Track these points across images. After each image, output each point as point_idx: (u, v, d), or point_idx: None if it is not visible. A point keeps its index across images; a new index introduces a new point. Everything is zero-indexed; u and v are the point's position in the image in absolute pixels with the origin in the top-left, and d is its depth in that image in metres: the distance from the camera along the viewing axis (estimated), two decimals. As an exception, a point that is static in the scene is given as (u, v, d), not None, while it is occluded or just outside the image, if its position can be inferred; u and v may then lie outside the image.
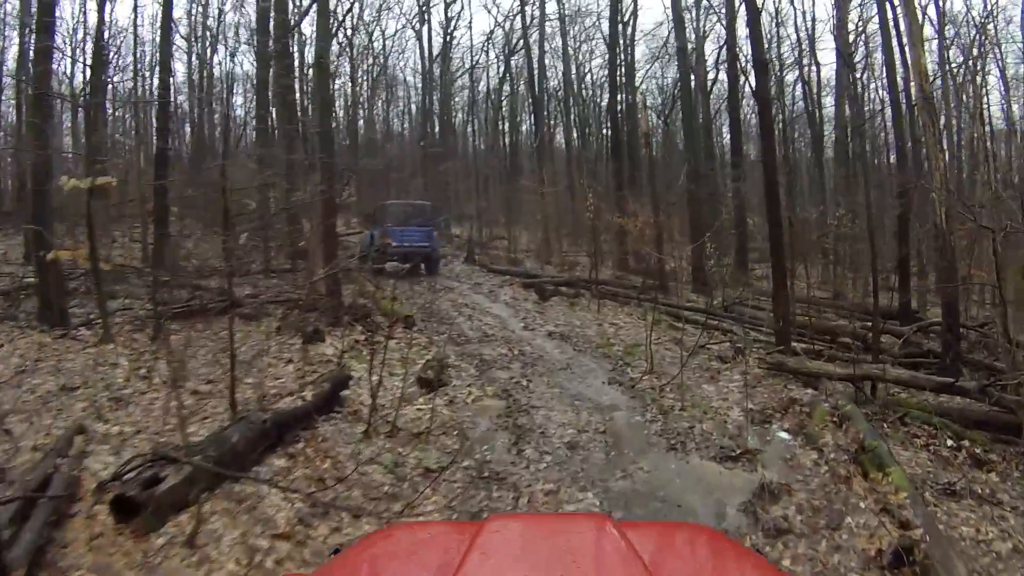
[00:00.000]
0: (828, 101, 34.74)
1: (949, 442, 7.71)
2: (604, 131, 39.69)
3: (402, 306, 13.54)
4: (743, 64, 16.32)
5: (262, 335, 11.20)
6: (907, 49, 13.14)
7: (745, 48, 19.79)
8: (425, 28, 39.43)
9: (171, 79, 21.59)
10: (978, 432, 7.69)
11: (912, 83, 14.56)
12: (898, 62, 17.02)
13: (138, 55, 29.71)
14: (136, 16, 47.11)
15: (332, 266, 11.16)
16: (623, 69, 28.64)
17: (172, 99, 22.84)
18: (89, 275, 13.35)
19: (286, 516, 5.11)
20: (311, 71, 34.71)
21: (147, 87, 30.18)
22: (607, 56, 29.74)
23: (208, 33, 32.63)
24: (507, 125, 43.01)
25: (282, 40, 19.82)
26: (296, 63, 31.21)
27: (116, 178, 15.83)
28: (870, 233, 13.22)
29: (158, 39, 21.95)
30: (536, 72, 34.49)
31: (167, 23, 19.58)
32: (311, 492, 5.52)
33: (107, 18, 24.37)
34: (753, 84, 11.73)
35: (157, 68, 21.59)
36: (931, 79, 13.12)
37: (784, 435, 7.37)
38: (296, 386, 8.69)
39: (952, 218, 11.99)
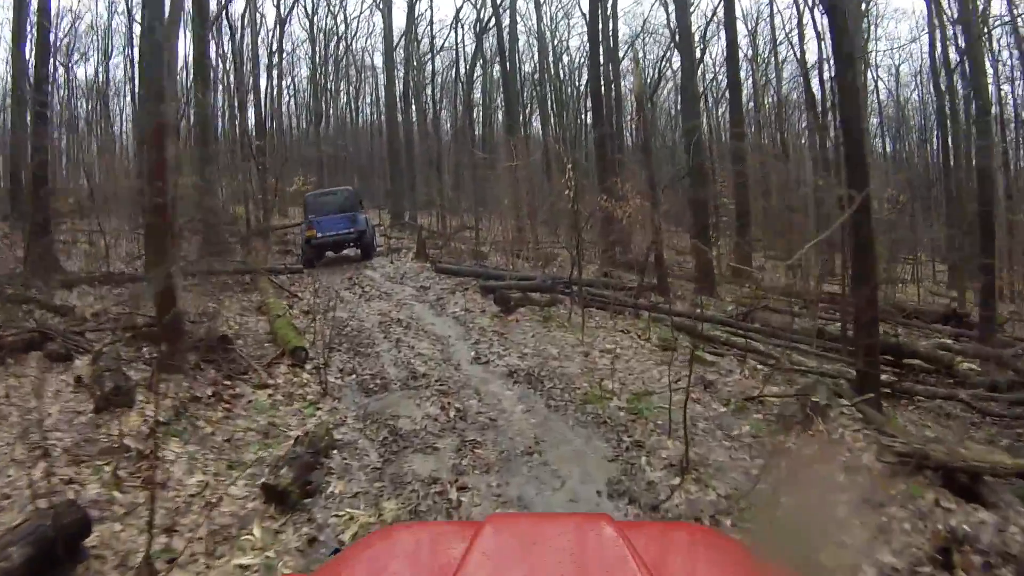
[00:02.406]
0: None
1: None
2: (583, 116, 36.66)
3: (310, 327, 9.44)
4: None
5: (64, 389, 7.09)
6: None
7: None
8: (391, 8, 35.33)
9: (50, 63, 17.11)
10: None
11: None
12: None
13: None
14: None
15: (160, 271, 6.90)
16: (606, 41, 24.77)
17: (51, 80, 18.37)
18: None
19: None
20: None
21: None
22: (584, 34, 26.33)
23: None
24: (480, 111, 39.60)
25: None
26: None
27: None
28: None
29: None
30: (507, 38, 30.41)
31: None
32: None
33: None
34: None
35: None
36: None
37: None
38: (22, 516, 4.58)
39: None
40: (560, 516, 3.99)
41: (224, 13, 28.14)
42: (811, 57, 32.06)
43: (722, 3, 22.24)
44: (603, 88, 23.76)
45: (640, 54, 36.02)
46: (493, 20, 32.08)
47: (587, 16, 25.74)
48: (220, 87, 30.93)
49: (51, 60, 18.09)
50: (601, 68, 23.62)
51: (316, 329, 9.18)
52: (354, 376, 8.06)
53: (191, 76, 22.90)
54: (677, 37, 21.55)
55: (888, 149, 37.66)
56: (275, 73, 37.56)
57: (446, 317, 11.22)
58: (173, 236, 9.78)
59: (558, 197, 17.96)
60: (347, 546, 3.49)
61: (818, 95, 30.14)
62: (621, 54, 31.21)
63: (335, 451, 5.85)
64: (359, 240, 19.60)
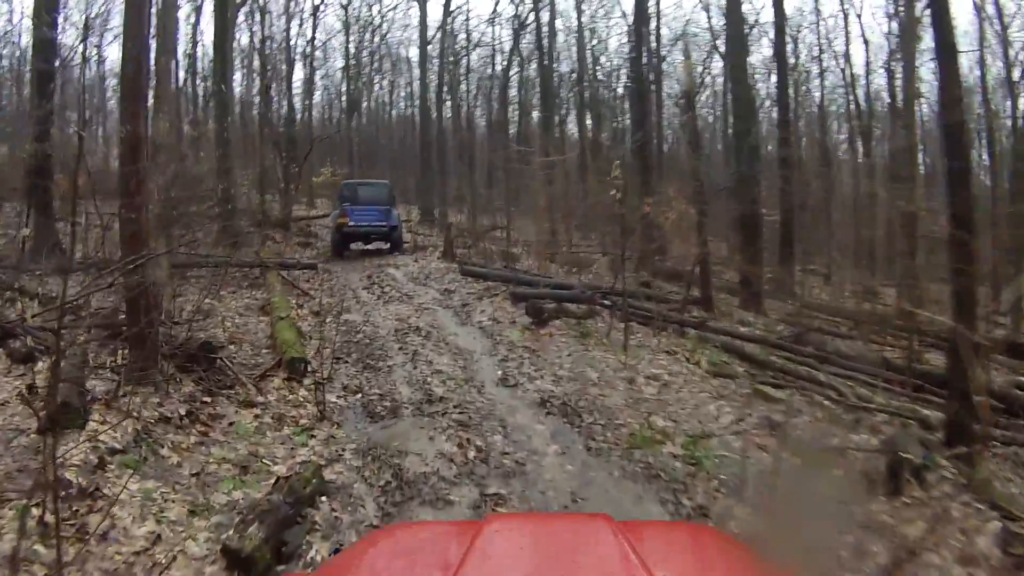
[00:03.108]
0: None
1: None
2: (621, 118, 35.36)
3: (317, 331, 8.28)
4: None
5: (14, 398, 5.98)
6: None
7: None
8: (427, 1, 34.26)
9: (55, 36, 15.81)
10: None
11: None
12: None
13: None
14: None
15: (128, 260, 5.75)
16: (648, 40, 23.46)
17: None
18: None
19: None
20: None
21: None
22: (624, 35, 25.12)
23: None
24: (516, 109, 38.27)
25: None
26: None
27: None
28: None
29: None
30: (546, 34, 29.26)
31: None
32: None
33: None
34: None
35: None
36: None
37: None
38: None
39: None
40: (560, 516, 4.05)
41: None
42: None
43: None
44: (646, 86, 22.51)
45: (683, 56, 34.86)
46: (531, 16, 31.01)
47: (628, 18, 24.78)
48: (252, 73, 30.26)
49: (59, 32, 16.72)
50: (643, 67, 22.38)
51: (324, 334, 8.04)
52: (359, 396, 6.89)
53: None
54: (726, 33, 20.24)
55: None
56: (308, 62, 36.89)
57: (471, 327, 10.02)
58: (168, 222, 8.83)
59: (596, 199, 16.78)
60: (347, 546, 3.38)
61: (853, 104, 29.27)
62: (663, 53, 30.14)
63: (323, 498, 4.70)
64: (389, 235, 19.46)
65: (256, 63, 29.51)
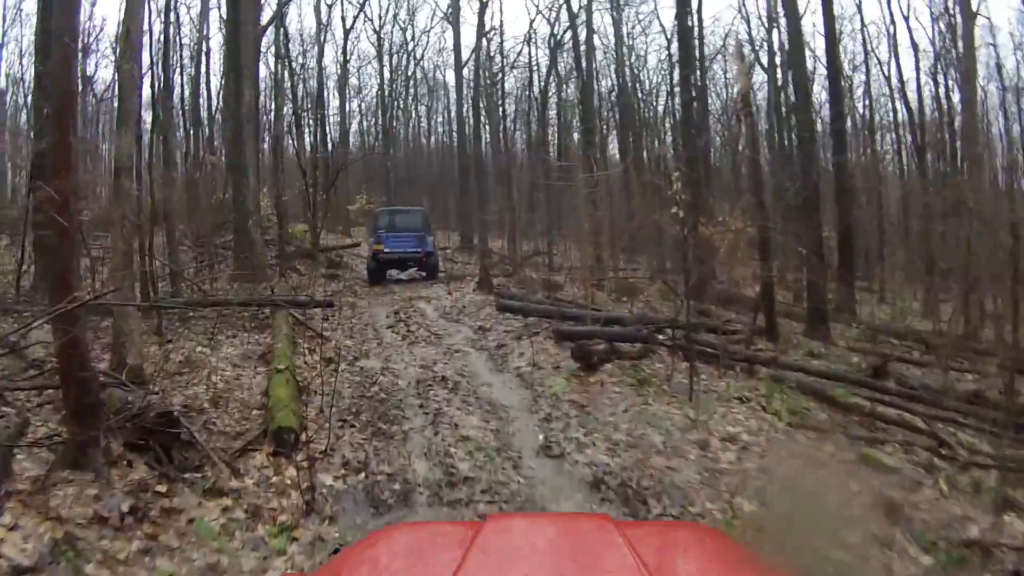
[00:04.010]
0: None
1: None
2: (663, 135, 34.39)
3: (324, 385, 6.89)
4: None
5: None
6: None
7: None
8: (459, 18, 33.25)
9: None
10: None
11: None
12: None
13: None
14: None
15: (55, 308, 4.44)
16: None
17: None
18: None
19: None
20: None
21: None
22: (662, 50, 24.56)
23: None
24: (555, 130, 37.31)
25: None
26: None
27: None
28: None
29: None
30: (584, 50, 28.08)
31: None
32: None
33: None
34: None
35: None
36: None
37: None
38: None
39: None
40: (561, 516, 4.06)
41: (278, 23, 26.39)
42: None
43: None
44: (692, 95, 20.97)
45: (722, 72, 33.43)
46: (568, 34, 29.90)
47: (667, 32, 23.48)
48: (282, 97, 29.59)
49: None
50: (689, 75, 20.82)
51: (325, 393, 6.64)
52: (363, 476, 5.42)
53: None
54: (787, 31, 18.65)
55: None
56: (340, 87, 36.37)
57: (507, 374, 8.55)
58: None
59: (644, 214, 15.35)
60: (348, 546, 3.05)
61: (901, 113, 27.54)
62: (704, 66, 28.72)
63: None
64: (425, 261, 19.39)
65: (283, 82, 29.01)
